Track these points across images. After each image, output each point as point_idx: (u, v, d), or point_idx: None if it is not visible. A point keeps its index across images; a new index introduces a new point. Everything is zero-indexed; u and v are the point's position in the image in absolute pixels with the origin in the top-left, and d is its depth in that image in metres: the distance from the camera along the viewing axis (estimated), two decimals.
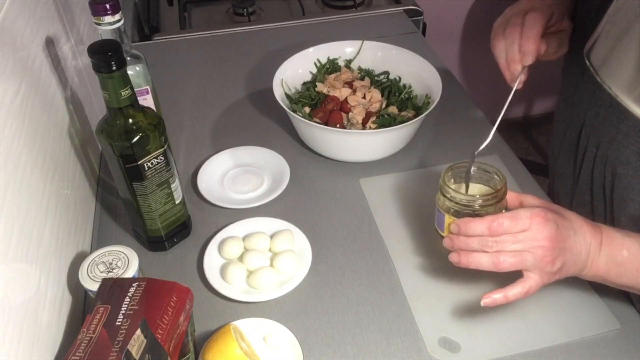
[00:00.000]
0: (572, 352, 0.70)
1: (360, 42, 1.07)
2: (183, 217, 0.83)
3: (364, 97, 0.99)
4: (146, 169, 0.73)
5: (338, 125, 0.94)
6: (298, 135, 1.00)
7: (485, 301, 0.65)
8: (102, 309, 0.58)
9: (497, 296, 0.64)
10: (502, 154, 0.98)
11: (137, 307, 0.58)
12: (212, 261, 0.80)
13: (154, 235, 0.82)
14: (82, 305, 0.77)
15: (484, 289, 0.72)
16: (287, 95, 1.01)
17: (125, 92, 0.67)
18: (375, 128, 0.93)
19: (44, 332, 0.63)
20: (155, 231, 0.81)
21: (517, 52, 0.75)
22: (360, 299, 0.77)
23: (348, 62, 1.07)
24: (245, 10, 1.46)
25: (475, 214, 0.68)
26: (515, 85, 0.76)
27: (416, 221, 0.87)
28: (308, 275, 0.78)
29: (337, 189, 0.94)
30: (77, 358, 0.54)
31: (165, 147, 0.75)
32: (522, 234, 0.62)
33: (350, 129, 0.94)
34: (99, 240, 0.86)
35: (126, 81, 0.67)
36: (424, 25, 1.50)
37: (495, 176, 0.72)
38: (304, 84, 1.05)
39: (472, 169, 0.72)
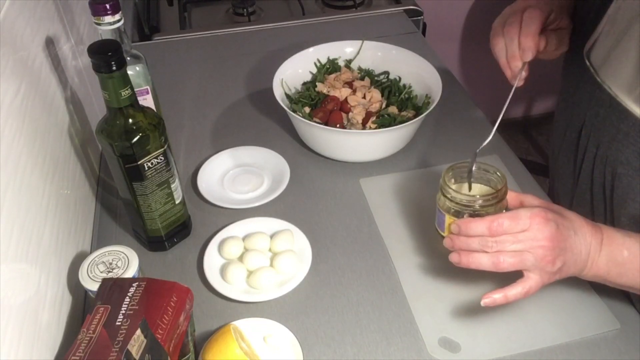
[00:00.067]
0: (572, 352, 0.70)
1: (360, 42, 1.07)
2: (183, 217, 0.83)
3: (364, 97, 0.99)
4: (146, 169, 0.73)
5: (338, 125, 0.94)
6: (298, 135, 1.00)
7: (485, 301, 0.65)
8: (102, 309, 0.58)
9: (497, 296, 0.64)
10: (502, 154, 0.98)
11: (137, 307, 0.58)
12: (212, 261, 0.80)
13: (154, 235, 0.82)
14: (82, 305, 0.77)
15: (484, 289, 0.72)
16: (287, 95, 1.01)
17: (125, 92, 0.67)
18: (375, 128, 0.93)
19: (44, 332, 0.63)
20: (155, 231, 0.81)
21: (516, 49, 0.75)
22: (360, 299, 0.77)
23: (348, 62, 1.07)
24: (245, 10, 1.46)
25: (475, 214, 0.68)
26: (517, 83, 0.76)
27: (416, 221, 0.87)
28: (308, 275, 0.78)
29: (337, 189, 0.94)
30: (77, 358, 0.54)
31: (165, 147, 0.75)
32: (522, 234, 0.62)
33: (350, 129, 0.94)
34: (99, 240, 0.86)
35: (126, 81, 0.67)
36: (424, 25, 1.50)
37: (496, 176, 0.72)
38: (304, 84, 1.05)
39: (473, 168, 0.72)
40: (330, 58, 1.06)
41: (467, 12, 2.10)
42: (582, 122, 0.78)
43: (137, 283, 0.61)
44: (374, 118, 0.95)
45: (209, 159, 0.96)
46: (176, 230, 0.84)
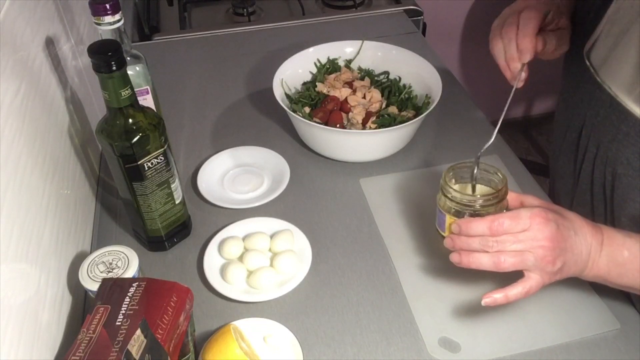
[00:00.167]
0: (572, 352, 0.70)
1: (360, 42, 1.07)
2: (183, 217, 0.83)
3: (364, 97, 0.99)
4: (146, 169, 0.73)
5: (338, 125, 0.94)
6: (298, 135, 1.00)
7: (485, 301, 0.65)
8: (102, 309, 0.58)
9: (498, 296, 0.64)
10: (502, 154, 0.98)
11: (137, 307, 0.58)
12: (212, 261, 0.80)
13: (154, 235, 0.82)
14: (82, 305, 0.77)
15: (484, 288, 0.72)
16: (287, 95, 1.01)
17: (125, 92, 0.67)
18: (375, 128, 0.93)
19: (44, 332, 0.63)
20: (155, 231, 0.81)
21: (515, 51, 0.75)
22: (360, 299, 0.77)
23: (348, 62, 1.07)
24: (245, 10, 1.46)
25: (476, 214, 0.68)
26: (516, 84, 0.76)
27: (416, 221, 0.87)
28: (308, 275, 0.78)
29: (337, 189, 0.94)
30: (77, 358, 0.54)
31: (165, 147, 0.75)
32: (522, 233, 0.62)
33: (350, 129, 0.94)
34: (99, 240, 0.86)
35: (126, 81, 0.67)
36: (424, 25, 1.50)
37: (496, 176, 0.72)
38: (304, 84, 1.05)
39: (475, 168, 0.72)
40: (330, 58, 1.06)
41: (467, 12, 2.10)
42: (583, 122, 0.78)
43: (137, 283, 0.61)
44: (374, 118, 0.95)
45: (209, 159, 0.96)
46: (176, 230, 0.84)
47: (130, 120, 0.70)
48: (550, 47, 0.76)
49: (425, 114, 0.91)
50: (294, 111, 0.93)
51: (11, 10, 0.70)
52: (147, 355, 0.56)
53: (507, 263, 0.63)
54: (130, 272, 0.70)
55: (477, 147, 0.72)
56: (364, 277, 0.80)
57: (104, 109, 0.70)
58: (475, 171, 0.72)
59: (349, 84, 1.02)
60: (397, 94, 1.01)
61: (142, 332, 0.56)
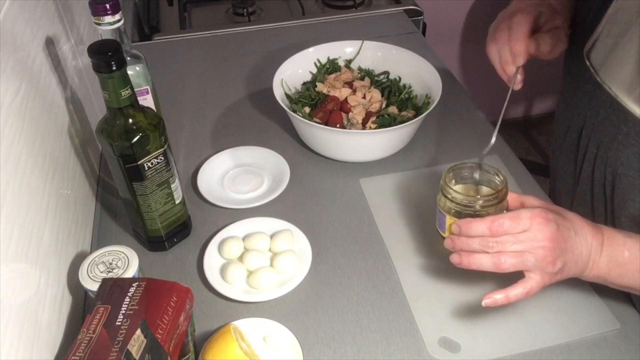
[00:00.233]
0: (572, 352, 0.70)
1: (360, 42, 1.07)
2: (183, 217, 0.83)
3: (364, 97, 0.99)
4: (146, 169, 0.73)
5: (338, 125, 0.94)
6: (298, 135, 1.00)
7: (486, 301, 0.65)
8: (102, 309, 0.58)
9: (499, 296, 0.64)
10: (502, 154, 0.98)
11: (137, 307, 0.58)
12: (212, 261, 0.80)
13: (154, 235, 0.82)
14: (82, 305, 0.77)
15: (484, 289, 0.72)
16: (287, 95, 1.01)
17: (125, 92, 0.67)
18: (375, 128, 0.93)
19: (44, 332, 0.63)
20: (155, 231, 0.81)
21: (508, 55, 0.77)
22: (360, 299, 0.77)
23: (348, 62, 1.07)
24: (245, 10, 1.46)
25: (476, 215, 0.68)
26: (513, 86, 0.77)
27: (416, 221, 0.87)
28: (308, 275, 0.78)
29: (337, 189, 0.94)
30: (77, 358, 0.54)
31: (165, 147, 0.75)
32: (522, 234, 0.62)
33: (350, 129, 0.94)
34: (99, 240, 0.86)
35: (126, 81, 0.67)
36: (424, 25, 1.50)
37: (496, 177, 0.72)
38: (304, 84, 1.05)
39: (477, 171, 0.72)
40: (330, 58, 1.06)
41: (467, 12, 2.10)
42: (583, 122, 0.78)
43: (137, 283, 0.61)
44: (374, 118, 0.95)
45: (209, 159, 0.96)
46: (176, 230, 0.83)
47: (130, 120, 0.70)
48: (545, 47, 0.76)
49: (425, 114, 0.91)
50: (294, 111, 0.93)
51: (11, 10, 0.70)
52: (147, 355, 0.56)
53: (508, 264, 0.63)
54: (130, 272, 0.70)
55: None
56: (364, 277, 0.80)
57: (104, 109, 0.70)
58: (477, 175, 0.72)
59: (349, 84, 1.02)
60: (397, 94, 1.01)
61: (142, 332, 0.56)
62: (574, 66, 0.81)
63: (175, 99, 1.14)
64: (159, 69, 1.20)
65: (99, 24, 0.75)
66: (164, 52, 1.30)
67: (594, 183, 0.78)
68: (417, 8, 1.44)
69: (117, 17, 0.75)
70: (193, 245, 0.85)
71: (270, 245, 0.82)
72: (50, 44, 0.83)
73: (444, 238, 0.70)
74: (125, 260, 0.71)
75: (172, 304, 0.59)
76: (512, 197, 0.70)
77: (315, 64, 1.06)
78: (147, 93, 0.86)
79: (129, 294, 0.60)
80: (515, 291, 0.64)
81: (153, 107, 0.87)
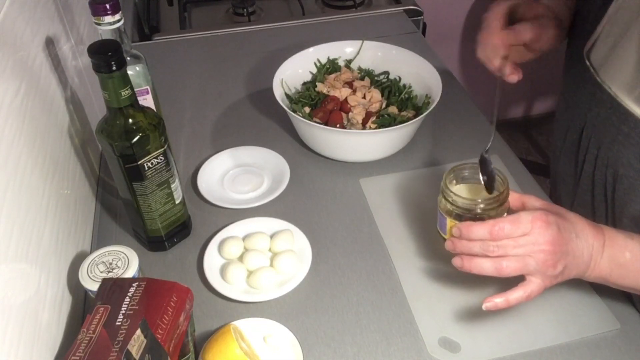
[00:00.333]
0: (572, 352, 0.70)
1: (360, 42, 1.07)
2: (183, 217, 0.83)
3: (364, 97, 0.99)
4: (146, 169, 0.73)
5: (338, 125, 0.94)
6: (298, 135, 1.00)
7: (486, 305, 0.65)
8: (102, 309, 0.58)
9: (499, 300, 0.64)
10: (502, 154, 0.98)
11: (137, 307, 0.58)
12: (212, 261, 0.80)
13: (154, 235, 0.82)
14: (82, 305, 0.77)
15: (484, 289, 0.72)
16: (287, 95, 1.01)
17: (125, 92, 0.67)
18: (375, 128, 0.93)
19: (44, 332, 0.63)
20: (155, 231, 0.81)
21: (490, 50, 0.77)
22: (360, 299, 0.77)
23: (348, 62, 1.07)
24: (245, 10, 1.46)
25: (477, 218, 0.68)
26: (507, 79, 0.77)
27: (416, 221, 0.87)
28: (308, 275, 0.78)
29: (337, 189, 0.94)
30: (77, 358, 0.54)
31: (165, 147, 0.75)
32: (523, 238, 0.62)
33: (350, 129, 0.94)
34: (99, 240, 0.86)
35: (126, 81, 0.67)
36: (424, 25, 1.50)
37: (497, 178, 0.71)
38: (304, 84, 1.05)
39: (480, 175, 0.72)
40: (330, 58, 1.06)
41: (467, 12, 2.10)
42: (583, 123, 0.78)
43: (137, 283, 0.61)
44: (374, 118, 0.95)
45: (209, 159, 0.96)
46: (176, 230, 0.83)
47: (130, 120, 0.70)
48: (525, 35, 0.75)
49: (425, 114, 0.90)
50: (294, 111, 0.93)
51: (11, 10, 0.70)
52: (147, 355, 0.56)
53: (510, 269, 0.63)
54: (130, 272, 0.70)
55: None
56: (364, 277, 0.80)
57: (104, 109, 0.70)
58: (478, 176, 0.72)
59: (349, 84, 1.02)
60: (397, 94, 1.01)
61: (142, 332, 0.56)
62: (574, 66, 0.81)
63: (175, 99, 1.14)
64: (159, 69, 1.20)
65: (99, 24, 0.75)
66: (164, 52, 1.30)
67: (595, 184, 0.77)
68: (417, 8, 1.44)
69: (117, 17, 0.75)
70: (193, 245, 0.85)
71: (270, 245, 0.82)
72: (50, 44, 0.83)
73: (444, 240, 0.70)
74: (125, 260, 0.71)
75: (172, 304, 0.59)
76: (513, 197, 0.70)
77: (315, 64, 1.06)
78: (147, 93, 0.86)
79: (129, 294, 0.60)
80: (516, 295, 0.64)
81: (153, 107, 0.87)
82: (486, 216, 0.67)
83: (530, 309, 0.74)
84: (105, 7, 0.73)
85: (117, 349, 0.54)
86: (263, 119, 1.09)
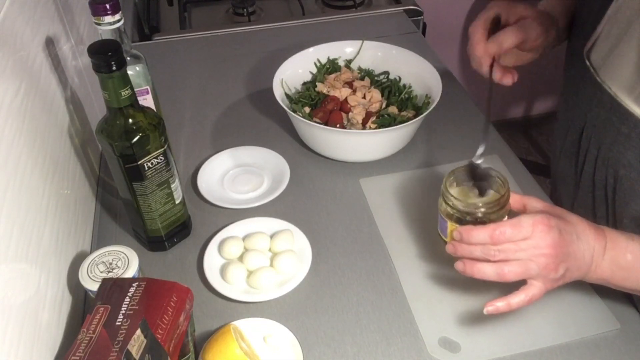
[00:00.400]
0: (572, 352, 0.70)
1: (360, 42, 1.07)
2: (183, 217, 0.83)
3: (364, 97, 0.99)
4: (146, 169, 0.73)
5: (338, 125, 0.94)
6: (298, 135, 1.00)
7: (488, 309, 0.65)
8: (102, 309, 0.58)
9: (501, 304, 0.64)
10: (502, 154, 0.98)
11: (137, 307, 0.58)
12: (212, 261, 0.80)
13: (154, 235, 0.82)
14: (82, 305, 0.77)
15: (484, 289, 0.72)
16: (287, 95, 1.01)
17: (125, 92, 0.67)
18: (375, 128, 0.93)
19: (44, 332, 0.63)
20: (155, 231, 0.81)
21: (476, 61, 0.79)
22: (360, 299, 0.77)
23: (348, 62, 1.07)
24: (245, 10, 1.46)
25: (478, 221, 0.67)
26: (501, 82, 0.80)
27: (416, 221, 0.87)
28: (308, 275, 0.78)
29: (337, 189, 0.94)
30: (77, 358, 0.54)
31: (165, 147, 0.75)
32: (524, 242, 0.62)
33: (350, 129, 0.94)
34: (99, 240, 0.86)
35: (126, 81, 0.67)
36: (424, 25, 1.50)
37: (498, 180, 0.70)
38: (304, 84, 1.05)
39: (471, 181, 0.72)
40: (330, 58, 1.06)
41: (467, 12, 2.10)
42: (583, 123, 0.78)
43: (137, 283, 0.61)
44: (374, 118, 0.95)
45: (209, 159, 0.96)
46: (176, 230, 0.83)
47: (130, 120, 0.70)
48: (507, 42, 0.76)
49: (425, 114, 0.91)
50: (294, 111, 0.93)
51: (11, 10, 0.70)
52: (147, 355, 0.56)
53: (511, 274, 0.62)
54: (130, 272, 0.70)
55: (477, 147, 0.72)
56: (364, 277, 0.80)
57: (104, 109, 0.70)
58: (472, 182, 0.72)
59: (349, 84, 1.02)
60: (397, 94, 1.01)
61: (142, 332, 0.56)
62: (574, 67, 0.81)
63: (175, 99, 1.14)
64: (159, 69, 1.20)
65: (99, 24, 0.75)
66: (164, 52, 1.30)
67: (595, 185, 0.77)
68: (417, 8, 1.44)
69: (117, 17, 0.75)
70: (193, 245, 0.85)
71: (270, 245, 0.82)
72: (50, 44, 0.83)
73: (445, 242, 0.70)
74: (125, 260, 0.71)
75: (172, 304, 0.59)
76: (514, 198, 0.70)
77: (315, 64, 1.06)
78: (147, 93, 0.86)
79: (129, 294, 0.60)
80: (517, 298, 0.64)
81: (153, 107, 0.87)
82: (487, 219, 0.67)
83: (530, 309, 0.74)
84: (105, 7, 0.73)
85: (117, 349, 0.54)
86: (263, 119, 1.09)
